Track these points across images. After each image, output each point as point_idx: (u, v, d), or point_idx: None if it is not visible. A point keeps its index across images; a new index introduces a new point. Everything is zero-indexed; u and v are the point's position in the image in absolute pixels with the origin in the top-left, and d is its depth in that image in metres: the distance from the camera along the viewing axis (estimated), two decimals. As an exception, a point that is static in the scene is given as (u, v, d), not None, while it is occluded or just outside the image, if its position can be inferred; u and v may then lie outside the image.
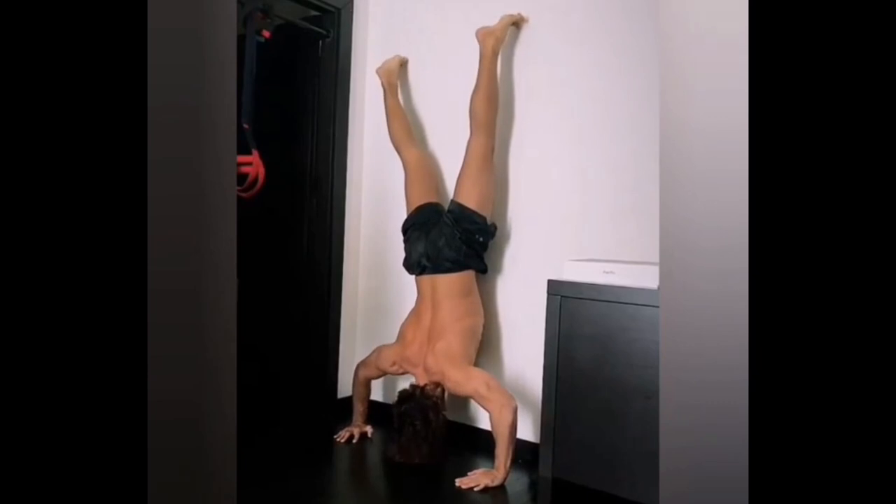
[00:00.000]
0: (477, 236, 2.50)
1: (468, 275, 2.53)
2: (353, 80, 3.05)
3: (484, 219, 2.51)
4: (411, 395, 2.43)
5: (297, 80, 3.08)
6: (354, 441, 2.68)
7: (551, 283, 2.24)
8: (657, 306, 1.88)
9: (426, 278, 2.55)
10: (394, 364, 2.59)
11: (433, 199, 2.68)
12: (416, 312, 2.60)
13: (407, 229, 2.66)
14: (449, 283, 2.50)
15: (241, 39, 2.41)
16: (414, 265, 2.58)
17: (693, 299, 0.96)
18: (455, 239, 2.48)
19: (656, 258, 1.88)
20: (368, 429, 2.76)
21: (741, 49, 0.85)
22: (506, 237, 2.70)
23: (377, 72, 2.96)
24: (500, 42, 2.59)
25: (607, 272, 2.14)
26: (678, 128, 0.98)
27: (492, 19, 2.61)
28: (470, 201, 2.50)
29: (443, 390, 2.46)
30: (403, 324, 2.64)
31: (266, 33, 2.53)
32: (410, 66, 3.00)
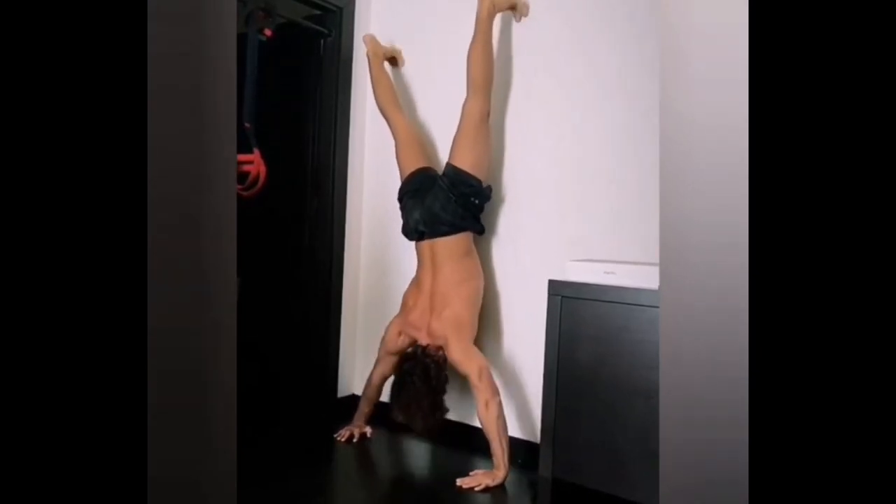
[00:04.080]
0: (472, 199, 2.50)
1: (466, 236, 2.53)
2: (355, 79, 3.05)
3: (479, 181, 2.50)
4: (413, 355, 2.44)
5: (299, 79, 3.08)
6: (355, 440, 2.69)
7: (552, 284, 2.24)
8: (658, 307, 1.88)
9: (425, 243, 2.54)
10: (400, 335, 2.58)
11: (425, 164, 2.67)
12: (416, 279, 2.60)
13: (402, 197, 2.65)
14: (447, 246, 2.50)
15: (243, 38, 2.41)
16: (412, 231, 2.58)
17: (693, 300, 0.96)
18: (451, 202, 2.47)
19: (657, 258, 1.88)
20: (368, 429, 2.76)
21: (742, 45, 0.85)
22: (507, 237, 2.69)
23: (364, 38, 2.94)
24: (495, 7, 2.56)
25: (608, 272, 2.14)
26: (679, 127, 0.98)
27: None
28: (465, 164, 2.49)
29: (444, 354, 2.46)
30: (405, 292, 2.64)
31: (268, 32, 2.53)
32: (412, 66, 3.00)
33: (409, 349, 2.51)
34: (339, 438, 2.68)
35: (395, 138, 2.77)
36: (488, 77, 2.54)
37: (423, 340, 2.49)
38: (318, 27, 2.97)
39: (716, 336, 0.92)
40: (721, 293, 0.91)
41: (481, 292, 2.56)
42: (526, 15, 2.64)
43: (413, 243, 2.64)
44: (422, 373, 2.37)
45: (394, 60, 3.01)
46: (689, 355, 0.96)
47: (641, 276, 2.06)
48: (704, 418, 0.94)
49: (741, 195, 0.85)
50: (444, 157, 2.82)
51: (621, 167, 2.39)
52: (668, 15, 0.99)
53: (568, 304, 2.19)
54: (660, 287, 1.03)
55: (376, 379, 2.71)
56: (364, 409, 2.77)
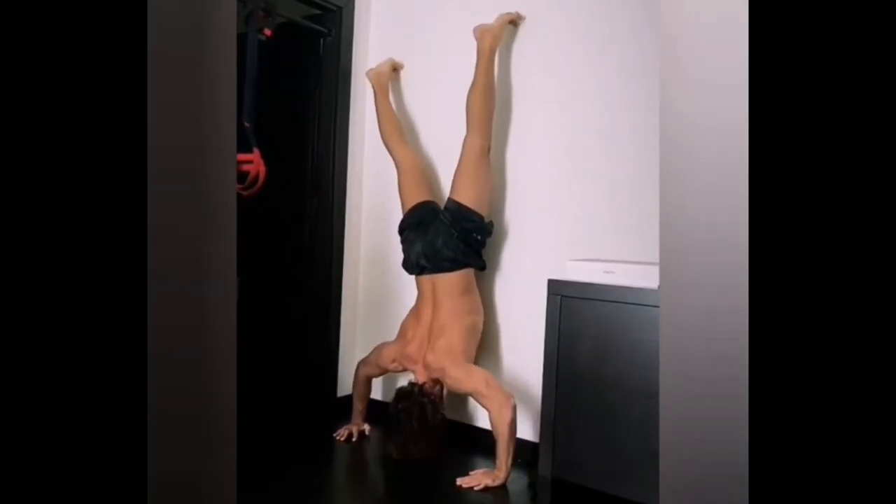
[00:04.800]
0: (475, 234, 2.51)
1: (467, 273, 2.53)
2: (354, 78, 3.05)
3: (481, 217, 2.51)
4: (409, 393, 2.43)
5: (299, 79, 3.08)
6: (354, 440, 2.69)
7: (552, 283, 2.24)
8: (658, 306, 1.88)
9: (426, 278, 2.55)
10: (394, 361, 2.59)
11: (427, 198, 2.68)
12: (416, 311, 2.60)
13: (403, 230, 2.67)
14: (449, 282, 2.50)
15: (243, 38, 2.41)
16: (413, 266, 2.59)
17: (693, 299, 0.96)
18: (453, 238, 2.48)
19: (657, 258, 1.88)
20: (367, 427, 2.76)
21: (742, 44, 0.85)
22: (506, 237, 2.69)
23: (367, 74, 2.97)
24: (497, 40, 2.59)
25: (608, 272, 2.14)
26: (678, 127, 0.98)
27: (493, 18, 2.61)
28: (467, 199, 2.50)
29: (441, 388, 2.46)
30: (404, 322, 2.64)
31: (267, 32, 2.53)
32: (411, 66, 3.00)
33: (407, 386, 2.49)
34: (338, 438, 2.68)
35: (398, 170, 2.77)
36: (489, 114, 2.55)
37: (420, 377, 2.48)
38: (317, 27, 2.97)
39: (716, 336, 0.92)
40: (721, 293, 0.91)
41: (480, 327, 2.56)
42: (524, 18, 2.65)
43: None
44: (419, 413, 2.35)
45: (396, 72, 3.01)
46: (690, 355, 0.96)
47: (641, 276, 2.06)
48: (704, 418, 0.94)
49: (741, 195, 0.85)
50: (444, 158, 2.82)
51: (621, 166, 2.39)
52: (668, 14, 0.99)
53: (568, 303, 2.18)
54: (660, 286, 1.03)
55: (363, 377, 2.73)
56: (359, 406, 2.76)
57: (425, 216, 2.59)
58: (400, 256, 2.71)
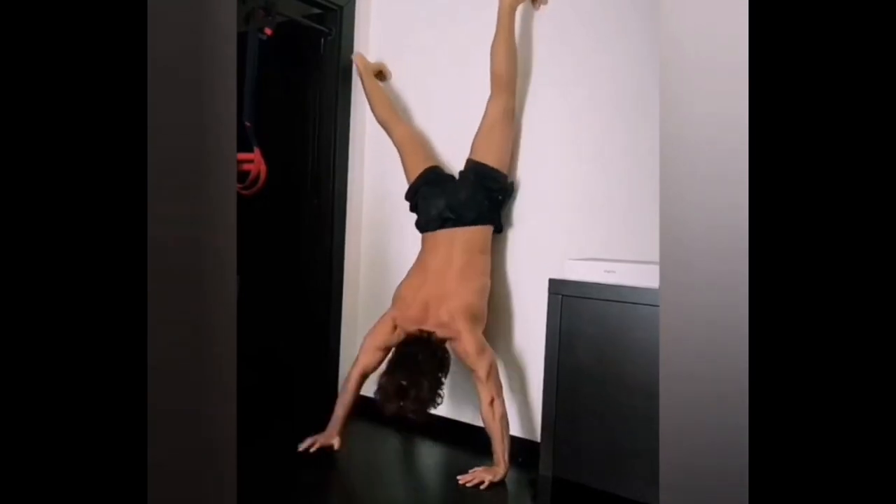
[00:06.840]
0: (497, 194, 2.49)
1: (487, 231, 2.50)
2: (355, 78, 3.05)
3: (505, 177, 2.50)
4: (420, 338, 2.33)
5: (299, 78, 3.08)
6: (312, 450, 2.43)
7: (552, 282, 2.24)
8: (658, 305, 1.88)
9: (444, 233, 2.46)
10: (395, 329, 2.43)
11: (434, 164, 2.65)
12: (421, 270, 2.48)
13: (416, 191, 2.59)
14: (470, 237, 2.45)
15: (243, 37, 2.41)
16: (434, 219, 2.48)
17: (693, 298, 0.96)
18: (478, 193, 2.45)
19: (657, 257, 1.88)
20: (336, 441, 2.46)
21: (742, 42, 0.85)
22: (507, 236, 2.69)
23: (353, 57, 2.95)
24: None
25: (608, 271, 2.14)
26: (679, 125, 0.98)
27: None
28: (490, 159, 2.47)
29: (452, 347, 2.38)
30: (401, 286, 2.50)
31: (268, 31, 2.53)
32: (413, 64, 2.99)
33: (415, 333, 2.36)
34: (300, 448, 2.45)
35: (398, 148, 2.73)
36: (512, 72, 2.50)
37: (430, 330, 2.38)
38: (318, 26, 2.97)
39: (716, 334, 0.92)
40: (721, 292, 0.91)
41: (489, 290, 2.51)
42: (545, 3, 2.59)
43: (417, 239, 2.60)
44: (429, 353, 2.27)
45: (381, 75, 3.00)
46: (690, 354, 0.96)
47: (641, 275, 2.06)
48: (704, 417, 0.94)
49: (741, 194, 0.85)
50: (448, 157, 2.81)
51: (621, 165, 2.39)
52: (669, 8, 0.99)
53: (568, 302, 2.18)
54: (660, 286, 1.03)
55: (356, 374, 2.47)
56: (339, 413, 2.49)
57: (439, 177, 2.56)
58: (401, 254, 2.70)
